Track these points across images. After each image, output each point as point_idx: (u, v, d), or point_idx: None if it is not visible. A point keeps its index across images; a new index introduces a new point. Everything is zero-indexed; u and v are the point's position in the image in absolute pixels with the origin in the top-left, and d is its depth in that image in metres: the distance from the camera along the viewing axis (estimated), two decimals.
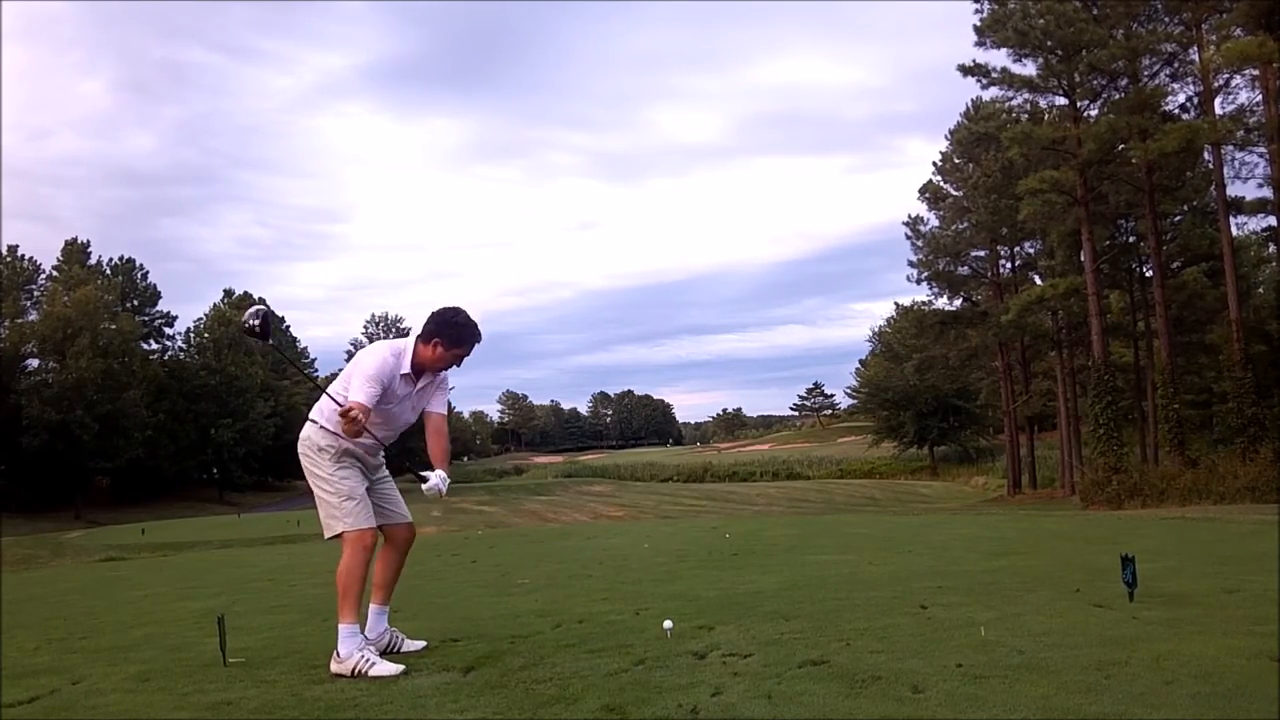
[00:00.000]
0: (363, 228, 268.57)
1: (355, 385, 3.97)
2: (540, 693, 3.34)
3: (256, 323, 3.80)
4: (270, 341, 3.92)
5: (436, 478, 4.04)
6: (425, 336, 4.12)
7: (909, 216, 44.45)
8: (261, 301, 74.87)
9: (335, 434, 4.04)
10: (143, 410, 52.00)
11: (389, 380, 4.05)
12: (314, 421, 4.13)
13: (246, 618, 5.81)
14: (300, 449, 4.15)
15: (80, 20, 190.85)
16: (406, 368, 4.11)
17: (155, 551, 19.98)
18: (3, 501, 44.42)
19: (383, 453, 4.26)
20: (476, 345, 4.21)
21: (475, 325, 4.18)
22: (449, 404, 4.49)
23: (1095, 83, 29.78)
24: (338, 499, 4.02)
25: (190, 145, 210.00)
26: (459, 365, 4.23)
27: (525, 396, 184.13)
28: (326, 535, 4.08)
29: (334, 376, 4.48)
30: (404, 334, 4.41)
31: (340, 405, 3.86)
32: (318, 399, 4.23)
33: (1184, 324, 33.43)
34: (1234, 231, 30.16)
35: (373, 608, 4.25)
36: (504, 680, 3.57)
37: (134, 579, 10.21)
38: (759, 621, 4.55)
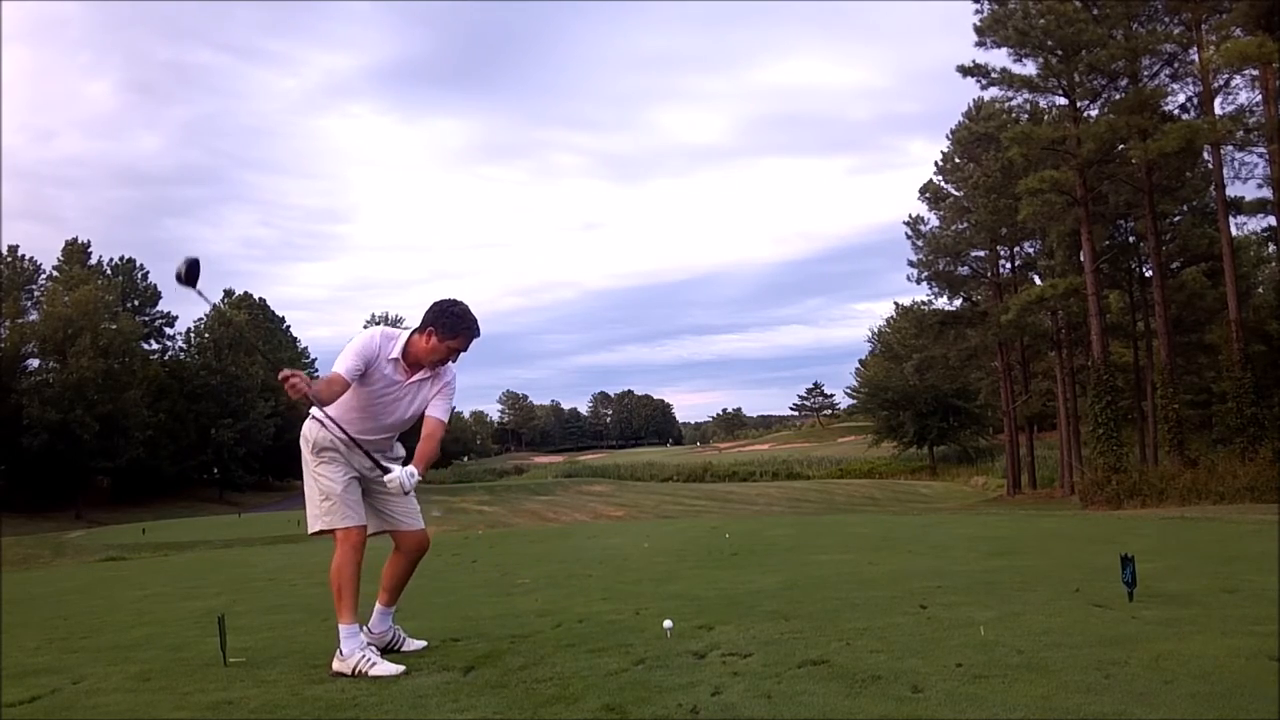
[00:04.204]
0: (366, 228, 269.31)
1: (338, 360, 3.92)
2: (540, 692, 3.34)
3: (182, 269, 3.63)
4: (196, 288, 3.67)
5: (402, 471, 3.87)
6: (421, 326, 4.04)
7: (909, 216, 44.53)
8: (261, 301, 75.13)
9: (323, 425, 3.98)
10: (143, 410, 51.95)
11: (372, 358, 3.95)
12: (313, 417, 4.07)
13: (246, 618, 5.81)
14: (301, 443, 4.13)
15: (88, 22, 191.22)
16: (396, 353, 4.00)
17: (156, 551, 19.98)
18: (3, 501, 44.41)
19: (395, 452, 4.21)
20: (474, 340, 4.09)
21: (472, 317, 4.06)
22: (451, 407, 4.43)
23: (1095, 83, 29.79)
24: (319, 496, 3.98)
25: (195, 146, 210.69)
26: (454, 361, 4.11)
27: (525, 396, 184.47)
28: (308, 531, 4.07)
29: None
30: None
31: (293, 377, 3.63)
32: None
33: (1183, 324, 33.43)
34: (1233, 231, 30.21)
35: (378, 608, 4.23)
36: (504, 680, 3.57)
37: (134, 579, 10.21)
38: (759, 621, 4.55)
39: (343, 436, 3.96)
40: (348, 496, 3.98)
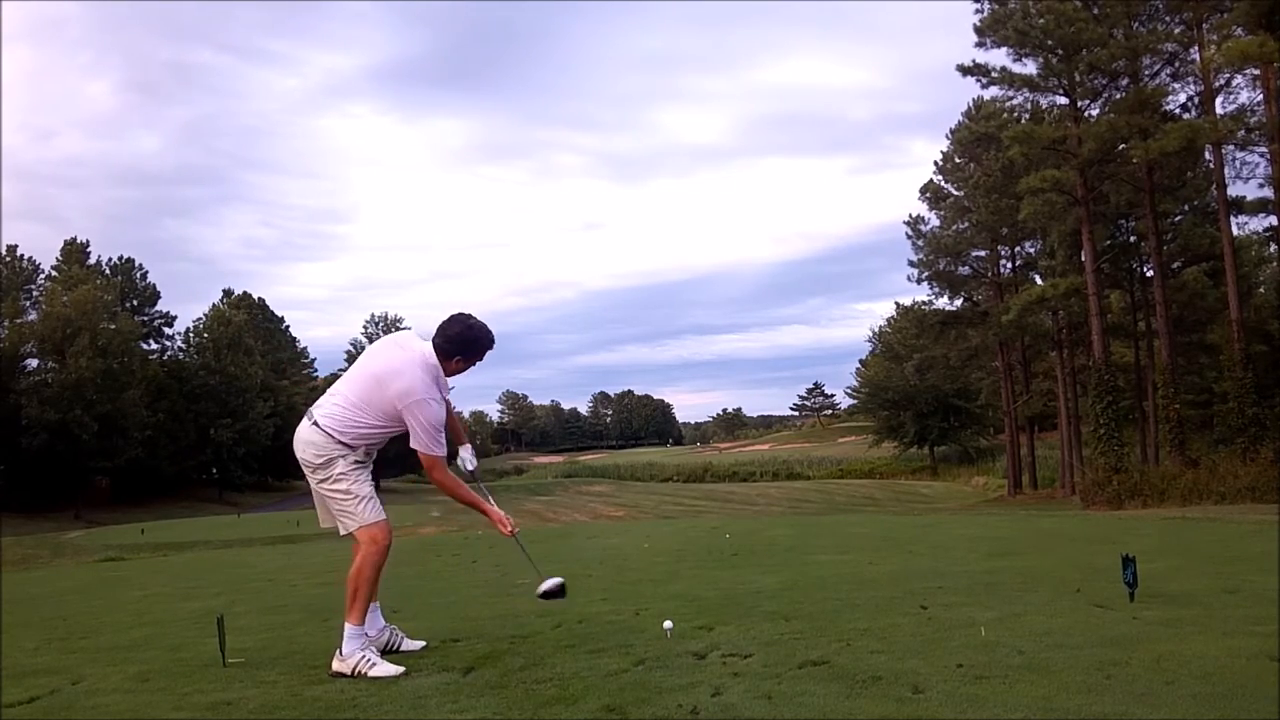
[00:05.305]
0: (366, 228, 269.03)
1: (426, 436, 3.93)
2: (540, 693, 3.34)
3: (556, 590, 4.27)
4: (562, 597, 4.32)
5: (465, 451, 4.36)
6: (444, 354, 4.07)
7: (910, 216, 44.52)
8: (260, 301, 75.08)
9: (349, 446, 4.02)
10: (142, 410, 51.91)
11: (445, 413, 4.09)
12: (328, 433, 4.01)
13: (246, 618, 5.80)
14: (307, 454, 4.04)
15: (88, 22, 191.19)
16: (447, 388, 4.15)
17: (155, 551, 19.97)
18: (3, 501, 44.36)
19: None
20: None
21: (488, 332, 4.14)
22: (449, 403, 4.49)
23: (1095, 82, 29.78)
24: (353, 500, 4.01)
25: (196, 146, 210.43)
26: (474, 367, 4.26)
27: (525, 396, 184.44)
28: (342, 532, 4.12)
29: (334, 378, 4.47)
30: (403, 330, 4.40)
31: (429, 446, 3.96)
32: (315, 399, 4.22)
33: (1184, 324, 33.40)
34: (1235, 231, 30.20)
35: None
36: (504, 680, 3.56)
37: (134, 579, 10.20)
38: (759, 621, 4.54)
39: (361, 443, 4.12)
40: (376, 494, 4.11)
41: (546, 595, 4.24)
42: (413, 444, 3.98)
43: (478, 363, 4.21)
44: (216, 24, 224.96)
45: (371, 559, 3.98)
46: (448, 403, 4.31)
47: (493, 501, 4.18)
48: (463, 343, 4.09)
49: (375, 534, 4.01)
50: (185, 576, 10.09)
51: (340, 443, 4.01)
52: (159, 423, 54.40)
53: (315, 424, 4.05)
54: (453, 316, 4.12)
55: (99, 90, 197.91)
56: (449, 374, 4.13)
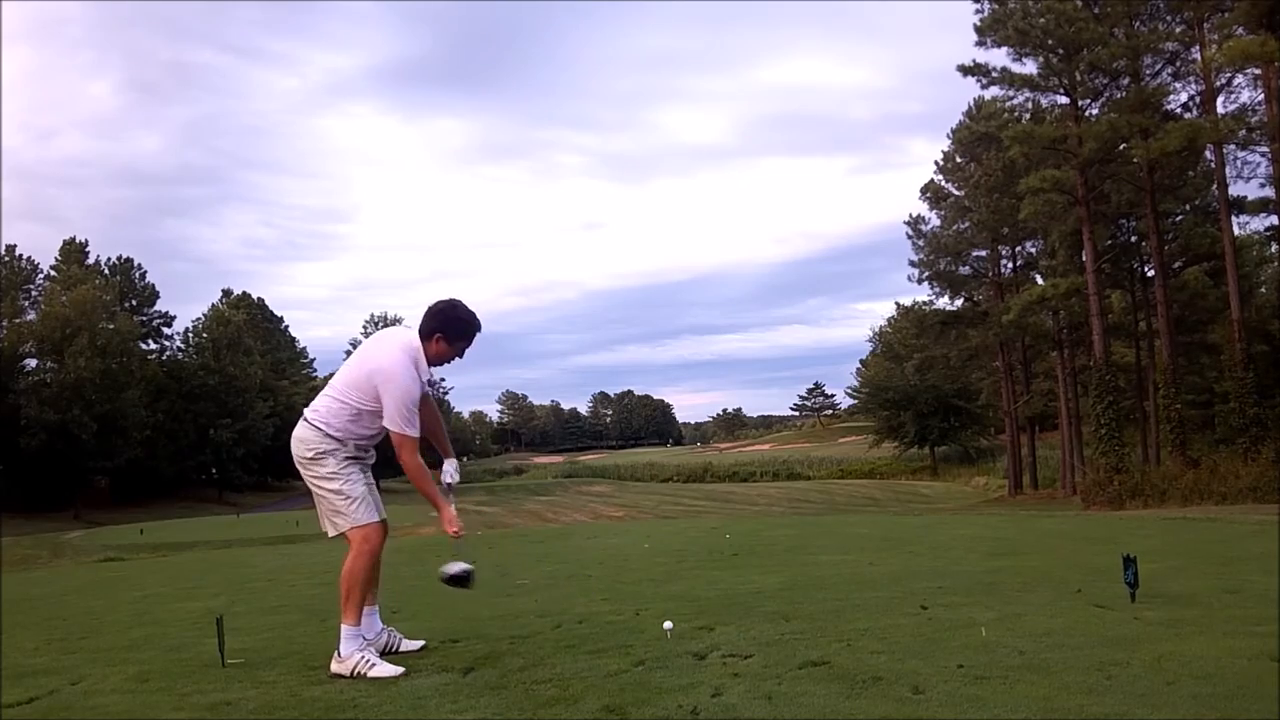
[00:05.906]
0: (367, 228, 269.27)
1: (396, 413, 3.89)
2: (540, 693, 3.33)
3: (465, 577, 4.16)
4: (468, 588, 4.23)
5: (449, 465, 4.24)
6: (425, 333, 4.04)
7: (910, 216, 44.49)
8: (259, 301, 75.10)
9: (339, 440, 4.01)
10: (141, 410, 51.91)
11: (420, 395, 4.02)
12: (316, 426, 4.02)
13: (246, 618, 5.80)
14: (299, 451, 4.05)
15: (88, 22, 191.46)
16: (428, 373, 4.07)
17: (154, 552, 19.96)
18: (3, 501, 44.34)
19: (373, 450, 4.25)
20: (477, 336, 4.16)
21: (475, 316, 4.11)
22: (448, 404, 4.47)
23: (1096, 81, 29.78)
24: (345, 500, 3.99)
25: (196, 146, 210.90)
26: (460, 358, 4.17)
27: (525, 396, 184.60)
28: (331, 534, 4.07)
29: (332, 376, 4.43)
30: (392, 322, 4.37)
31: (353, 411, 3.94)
32: (313, 398, 4.21)
33: (1185, 324, 33.39)
34: (1236, 231, 30.19)
35: (365, 610, 4.21)
36: (504, 681, 3.56)
37: (133, 579, 10.19)
38: (759, 622, 4.54)
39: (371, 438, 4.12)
40: (370, 495, 4.07)
41: (452, 580, 4.09)
42: (384, 421, 3.94)
43: (464, 348, 4.14)
44: (216, 24, 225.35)
45: (363, 559, 3.96)
46: (436, 414, 4.28)
47: (453, 505, 4.12)
48: (444, 319, 4.04)
49: (368, 533, 3.99)
50: (185, 577, 10.08)
51: (329, 435, 3.99)
52: (158, 423, 54.40)
53: (306, 420, 4.07)
54: (439, 299, 4.12)
55: (99, 90, 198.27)
56: (432, 355, 4.06)
